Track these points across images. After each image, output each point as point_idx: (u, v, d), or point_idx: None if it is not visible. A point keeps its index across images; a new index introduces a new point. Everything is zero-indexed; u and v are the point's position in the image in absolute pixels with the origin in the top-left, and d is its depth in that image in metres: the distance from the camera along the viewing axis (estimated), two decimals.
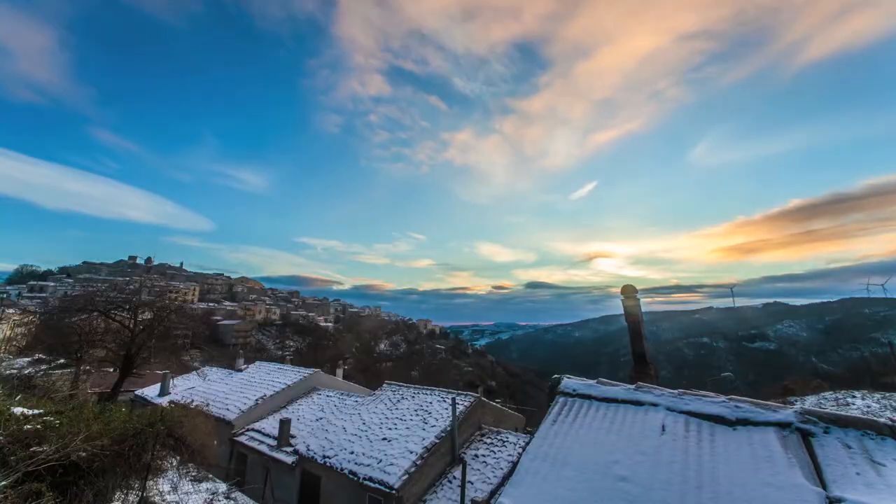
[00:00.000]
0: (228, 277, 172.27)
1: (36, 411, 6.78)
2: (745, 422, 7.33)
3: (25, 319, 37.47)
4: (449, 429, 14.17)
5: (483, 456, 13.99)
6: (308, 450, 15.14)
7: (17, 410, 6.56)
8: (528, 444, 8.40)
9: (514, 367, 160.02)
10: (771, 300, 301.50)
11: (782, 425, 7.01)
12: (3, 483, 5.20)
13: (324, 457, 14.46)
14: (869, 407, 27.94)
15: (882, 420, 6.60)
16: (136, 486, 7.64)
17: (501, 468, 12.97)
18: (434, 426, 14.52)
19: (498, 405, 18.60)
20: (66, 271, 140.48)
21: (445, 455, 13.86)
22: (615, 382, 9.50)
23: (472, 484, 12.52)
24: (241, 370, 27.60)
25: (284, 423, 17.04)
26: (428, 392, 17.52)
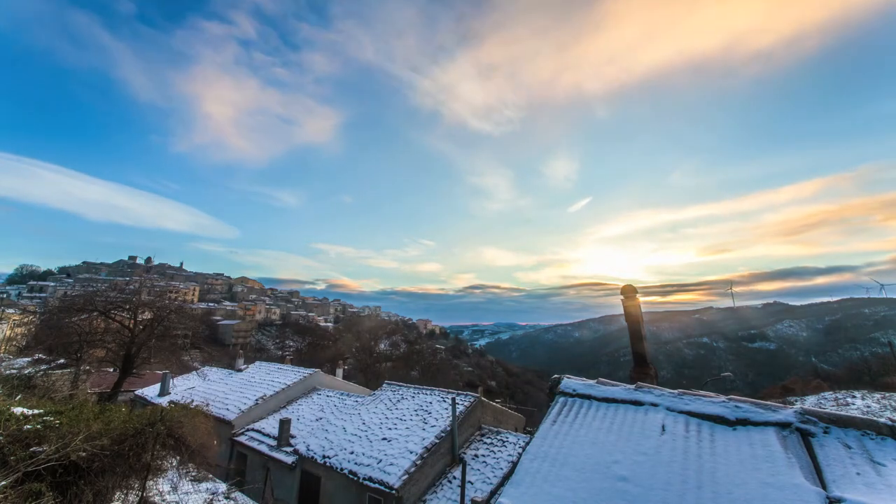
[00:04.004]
0: (228, 277, 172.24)
1: (36, 411, 6.78)
2: (744, 422, 7.33)
3: (25, 319, 37.57)
4: (449, 429, 14.17)
5: (483, 456, 13.99)
6: (308, 450, 15.14)
7: (17, 410, 6.56)
8: (527, 444, 8.39)
9: (514, 367, 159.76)
10: (771, 300, 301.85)
11: (782, 425, 7.01)
12: (3, 483, 5.20)
13: (324, 457, 14.46)
14: (869, 407, 27.98)
15: (882, 420, 6.59)
16: (136, 486, 7.64)
17: (501, 468, 12.98)
18: (434, 426, 14.52)
19: (498, 405, 18.60)
20: (65, 271, 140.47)
21: (445, 455, 13.87)
22: (615, 382, 9.50)
23: (471, 484, 12.52)
24: (240, 370, 27.61)
25: (284, 423, 17.04)
26: (428, 392, 17.52)
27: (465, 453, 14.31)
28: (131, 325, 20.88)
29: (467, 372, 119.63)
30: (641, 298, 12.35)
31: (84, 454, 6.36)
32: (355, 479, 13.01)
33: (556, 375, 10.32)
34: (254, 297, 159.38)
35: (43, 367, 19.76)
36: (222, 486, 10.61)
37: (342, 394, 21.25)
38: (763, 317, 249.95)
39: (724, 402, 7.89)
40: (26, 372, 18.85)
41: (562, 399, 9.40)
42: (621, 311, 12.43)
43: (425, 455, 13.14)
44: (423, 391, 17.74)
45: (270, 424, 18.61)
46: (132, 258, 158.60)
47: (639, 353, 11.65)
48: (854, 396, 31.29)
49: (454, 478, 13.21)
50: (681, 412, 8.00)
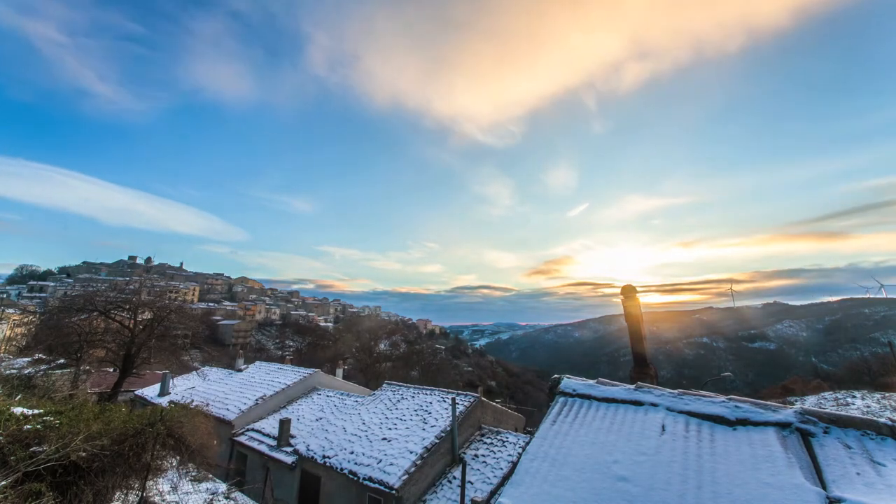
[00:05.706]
0: (228, 277, 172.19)
1: (36, 411, 6.78)
2: (744, 422, 7.33)
3: (25, 319, 37.59)
4: (449, 429, 14.17)
5: (483, 456, 13.99)
6: (308, 450, 15.14)
7: (17, 410, 6.56)
8: (527, 444, 8.39)
9: (514, 367, 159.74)
10: (771, 300, 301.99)
11: (782, 425, 7.01)
12: (3, 483, 5.20)
13: (324, 457, 14.46)
14: (869, 407, 27.95)
15: (882, 420, 6.60)
16: (136, 486, 7.64)
17: (501, 468, 12.98)
18: (434, 426, 14.52)
19: (498, 405, 18.60)
20: (65, 271, 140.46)
21: (445, 455, 13.87)
22: (615, 382, 9.50)
23: (471, 484, 12.52)
24: (240, 370, 27.61)
25: (284, 423, 17.04)
26: (428, 392, 17.52)
27: (465, 453, 14.30)
28: (131, 325, 20.87)
29: (467, 372, 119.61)
30: (641, 298, 12.36)
31: (84, 454, 6.36)
32: (355, 479, 13.00)
33: (556, 375, 10.32)
34: (254, 297, 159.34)
35: (43, 367, 19.77)
36: (222, 486, 10.61)
37: (342, 394, 21.25)
38: (763, 317, 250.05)
39: (724, 402, 7.89)
40: (26, 372, 18.87)
41: (562, 399, 9.40)
42: (621, 311, 12.45)
43: (425, 455, 13.14)
44: (423, 391, 17.74)
45: (270, 424, 18.61)
46: (132, 258, 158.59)
47: (639, 353, 11.66)
48: (854, 396, 31.28)
49: (454, 478, 13.21)
50: (681, 412, 8.00)
